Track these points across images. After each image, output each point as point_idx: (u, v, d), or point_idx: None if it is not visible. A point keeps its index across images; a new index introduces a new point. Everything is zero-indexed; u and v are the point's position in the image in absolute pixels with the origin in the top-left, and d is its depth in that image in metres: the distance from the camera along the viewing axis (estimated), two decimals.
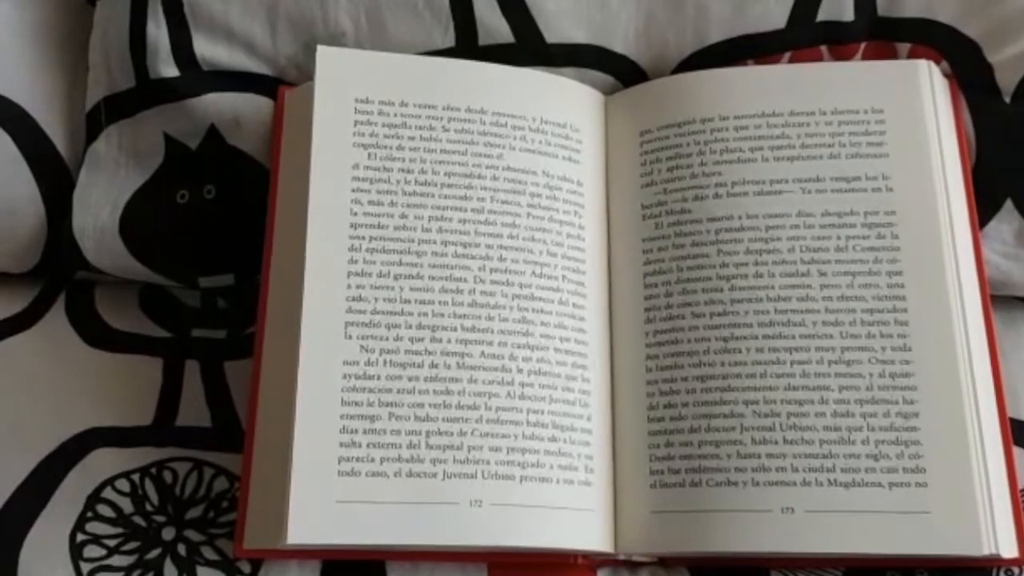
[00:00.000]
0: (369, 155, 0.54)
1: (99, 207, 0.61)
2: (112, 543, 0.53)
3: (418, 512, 0.49)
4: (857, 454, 0.50)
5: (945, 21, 0.59)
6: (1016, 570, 0.52)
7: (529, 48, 0.59)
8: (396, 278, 0.52)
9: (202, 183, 0.60)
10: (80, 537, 0.53)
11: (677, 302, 0.54)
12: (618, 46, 0.60)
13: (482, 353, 0.52)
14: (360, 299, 0.52)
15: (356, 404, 0.50)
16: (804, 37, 0.59)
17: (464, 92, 0.56)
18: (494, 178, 0.55)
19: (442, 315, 0.52)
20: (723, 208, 0.55)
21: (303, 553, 0.52)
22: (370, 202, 0.53)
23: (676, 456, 0.52)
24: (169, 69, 0.59)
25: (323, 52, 0.56)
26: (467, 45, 0.59)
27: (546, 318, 0.53)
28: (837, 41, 0.60)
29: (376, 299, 0.52)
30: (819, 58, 0.60)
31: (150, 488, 0.55)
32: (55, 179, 0.62)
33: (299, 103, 0.58)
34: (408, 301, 0.52)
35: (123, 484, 0.56)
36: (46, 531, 0.54)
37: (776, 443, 0.51)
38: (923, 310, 0.52)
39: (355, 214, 0.53)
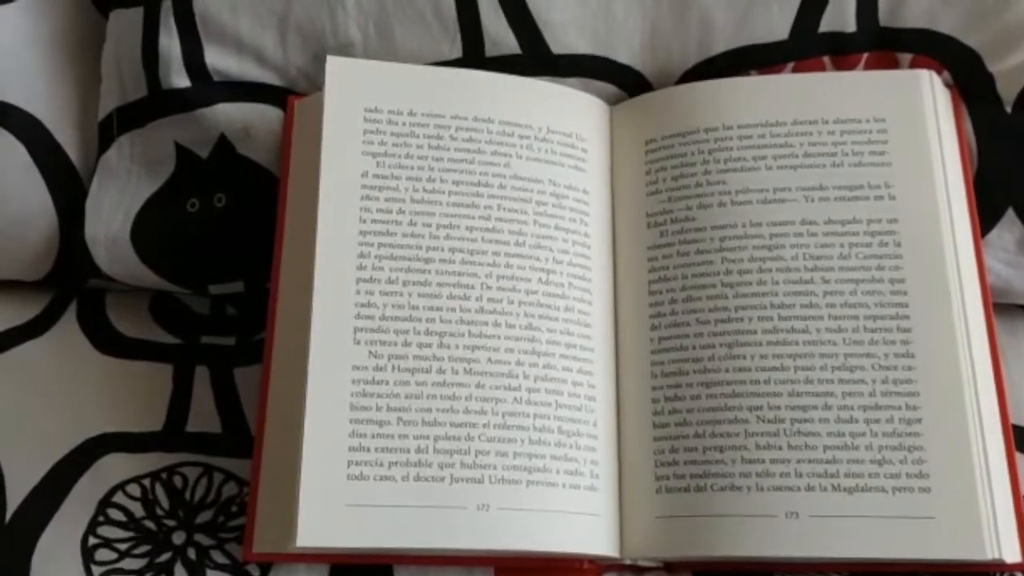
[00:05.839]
0: (378, 163, 0.55)
1: (111, 215, 0.62)
2: (123, 547, 0.54)
3: (426, 516, 0.49)
4: (861, 459, 0.51)
5: (946, 32, 0.59)
6: (1019, 574, 0.52)
7: (535, 59, 0.60)
8: (404, 284, 0.53)
9: (212, 192, 0.61)
10: (92, 541, 0.54)
11: (682, 309, 0.55)
12: (623, 57, 0.61)
13: (489, 359, 0.52)
14: (369, 305, 0.52)
15: (365, 409, 0.51)
16: (807, 48, 0.60)
17: (471, 101, 0.57)
18: (501, 186, 0.56)
19: (450, 321, 0.53)
20: (727, 216, 0.56)
21: (312, 557, 0.53)
22: (379, 210, 0.54)
23: (681, 461, 0.52)
24: (180, 79, 0.60)
25: (332, 62, 0.57)
26: (474, 55, 0.60)
27: (552, 324, 0.54)
28: (839, 51, 0.60)
29: (385, 305, 0.52)
30: (822, 68, 0.60)
31: (160, 493, 0.56)
32: (67, 188, 0.63)
33: (309, 113, 0.59)
34: (416, 307, 0.53)
35: (134, 489, 0.56)
36: (58, 535, 0.54)
37: (780, 448, 0.51)
38: (925, 317, 0.53)
39: (364, 221, 0.54)
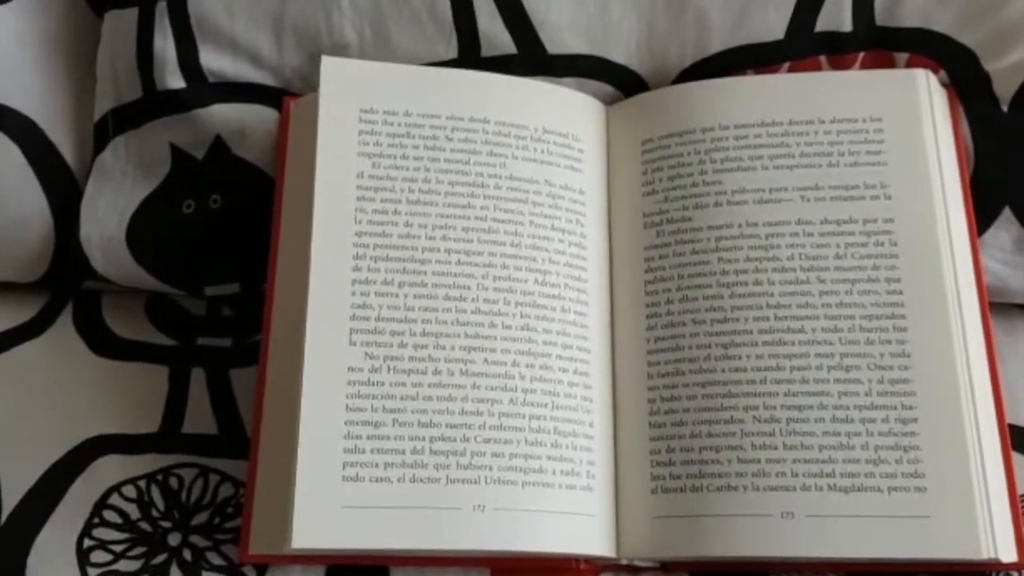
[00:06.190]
0: (373, 164, 0.55)
1: (106, 217, 0.61)
2: (119, 548, 0.54)
3: (422, 517, 0.49)
4: (856, 459, 0.51)
5: (942, 31, 0.59)
6: (1015, 574, 0.52)
7: (531, 59, 0.60)
8: (400, 285, 0.53)
9: (208, 193, 0.61)
10: (87, 542, 0.54)
11: (678, 309, 0.55)
12: (619, 57, 0.61)
13: (485, 360, 0.52)
14: (365, 306, 0.52)
15: (360, 410, 0.51)
16: (803, 47, 0.60)
17: (467, 102, 0.57)
18: (497, 187, 0.55)
19: (446, 322, 0.52)
20: (723, 216, 0.56)
21: (307, 558, 0.53)
22: (374, 211, 0.54)
23: (677, 461, 0.52)
24: (175, 80, 0.60)
25: (327, 63, 0.57)
26: (470, 56, 0.60)
27: (548, 325, 0.54)
28: (836, 51, 0.60)
29: (380, 306, 0.52)
30: (818, 68, 0.60)
31: (156, 494, 0.56)
32: (63, 189, 0.63)
33: (304, 113, 0.59)
34: (412, 308, 0.52)
35: (129, 490, 0.56)
36: (54, 536, 0.54)
37: (776, 448, 0.51)
38: (921, 317, 0.53)
39: (359, 222, 0.54)
